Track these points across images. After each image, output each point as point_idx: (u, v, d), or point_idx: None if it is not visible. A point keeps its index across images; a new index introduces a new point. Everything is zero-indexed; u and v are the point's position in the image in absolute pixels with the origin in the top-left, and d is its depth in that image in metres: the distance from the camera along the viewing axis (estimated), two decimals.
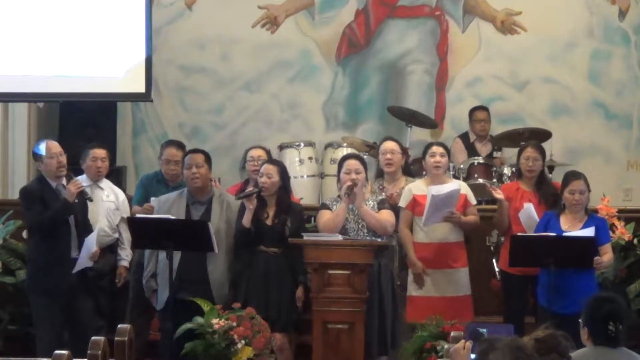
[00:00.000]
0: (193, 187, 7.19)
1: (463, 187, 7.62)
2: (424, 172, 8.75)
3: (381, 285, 7.09)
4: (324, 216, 7.19)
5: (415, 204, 7.46)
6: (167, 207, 7.17)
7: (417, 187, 7.58)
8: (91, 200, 7.20)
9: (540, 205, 7.39)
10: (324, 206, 7.30)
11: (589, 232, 6.95)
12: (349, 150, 9.35)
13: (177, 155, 7.69)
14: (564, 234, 6.98)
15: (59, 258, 6.99)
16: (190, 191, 7.22)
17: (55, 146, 7.16)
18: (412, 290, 7.47)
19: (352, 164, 7.19)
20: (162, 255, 7.04)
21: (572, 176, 7.18)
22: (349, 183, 7.07)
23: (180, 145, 7.89)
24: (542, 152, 7.71)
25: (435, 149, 7.57)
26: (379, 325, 7.04)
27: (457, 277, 7.45)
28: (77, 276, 7.00)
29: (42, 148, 7.14)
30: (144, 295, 7.33)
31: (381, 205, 7.18)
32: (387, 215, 7.15)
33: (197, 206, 7.19)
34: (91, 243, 7.00)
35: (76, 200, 7.02)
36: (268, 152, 7.98)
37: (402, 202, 7.50)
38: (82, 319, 7.02)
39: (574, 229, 7.03)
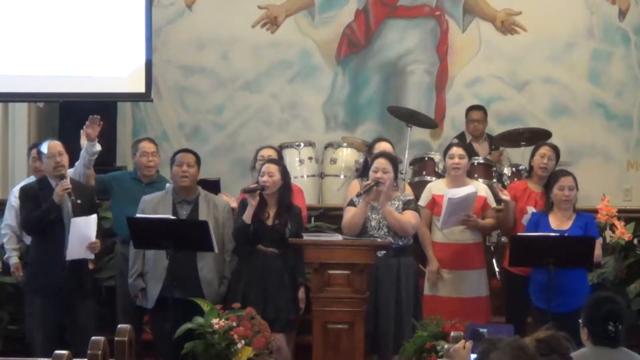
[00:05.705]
0: (180, 185, 7.18)
1: (482, 190, 7.58)
2: (424, 173, 8.77)
3: (400, 284, 7.03)
4: (347, 213, 7.15)
5: (434, 203, 7.44)
6: (152, 206, 7.14)
7: (436, 187, 7.57)
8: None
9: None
10: (351, 203, 7.20)
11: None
12: (349, 150, 9.37)
13: (152, 147, 7.69)
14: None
15: (53, 257, 6.96)
16: (176, 190, 7.21)
17: (55, 146, 7.13)
18: (427, 290, 7.45)
19: (382, 162, 7.11)
20: (150, 253, 7.07)
21: (562, 173, 7.17)
22: (369, 182, 7.04)
23: (151, 140, 7.90)
24: (557, 154, 7.68)
25: (455, 150, 7.52)
26: (395, 323, 6.98)
27: (474, 278, 7.42)
28: (74, 275, 6.97)
29: (44, 147, 7.14)
30: (132, 300, 7.30)
31: (406, 206, 7.12)
32: (409, 216, 7.08)
33: (184, 205, 7.18)
34: (89, 229, 6.89)
35: (72, 198, 6.95)
36: (279, 152, 7.97)
37: (422, 201, 7.48)
38: (80, 320, 6.99)
39: (563, 227, 7.02)
